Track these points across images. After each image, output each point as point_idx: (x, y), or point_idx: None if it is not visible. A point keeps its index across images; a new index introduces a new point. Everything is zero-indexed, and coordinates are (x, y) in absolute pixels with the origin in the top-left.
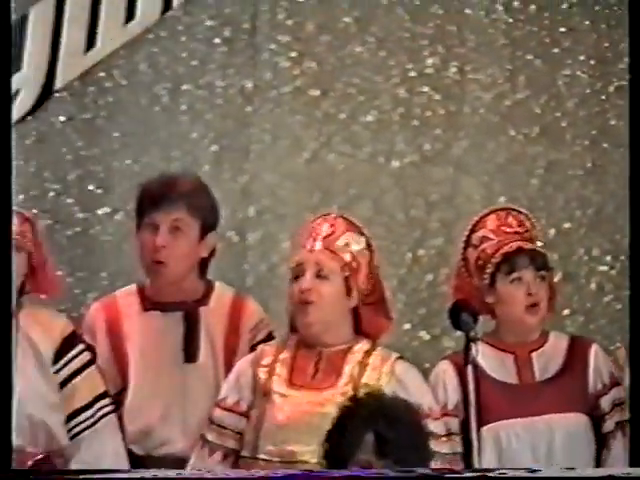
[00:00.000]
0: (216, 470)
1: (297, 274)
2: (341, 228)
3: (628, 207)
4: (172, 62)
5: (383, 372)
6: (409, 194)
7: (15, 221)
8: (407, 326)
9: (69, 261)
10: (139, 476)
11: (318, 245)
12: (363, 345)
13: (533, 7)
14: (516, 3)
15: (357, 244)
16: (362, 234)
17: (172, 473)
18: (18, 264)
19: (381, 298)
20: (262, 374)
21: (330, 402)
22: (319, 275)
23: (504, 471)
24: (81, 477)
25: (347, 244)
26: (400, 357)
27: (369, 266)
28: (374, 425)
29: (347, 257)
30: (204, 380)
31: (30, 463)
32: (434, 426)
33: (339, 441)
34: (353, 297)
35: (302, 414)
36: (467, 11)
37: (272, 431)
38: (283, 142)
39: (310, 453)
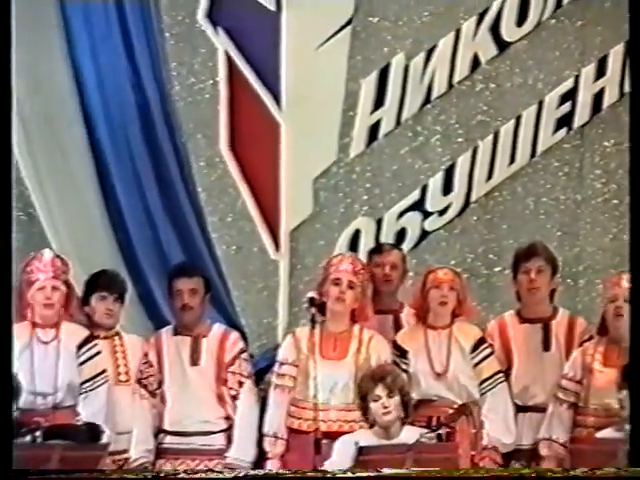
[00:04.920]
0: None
1: (614, 299)
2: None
3: None
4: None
5: None
6: None
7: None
8: None
9: (478, 299)
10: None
11: (625, 284)
12: None
13: None
14: None
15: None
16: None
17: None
18: (450, 299)
19: None
20: (588, 358)
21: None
22: (625, 301)
23: None
24: (82, 477)
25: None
26: None
27: None
28: None
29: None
30: (555, 362)
31: (453, 410)
32: None
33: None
34: None
35: (612, 383)
36: None
37: (596, 392)
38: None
39: (619, 405)
